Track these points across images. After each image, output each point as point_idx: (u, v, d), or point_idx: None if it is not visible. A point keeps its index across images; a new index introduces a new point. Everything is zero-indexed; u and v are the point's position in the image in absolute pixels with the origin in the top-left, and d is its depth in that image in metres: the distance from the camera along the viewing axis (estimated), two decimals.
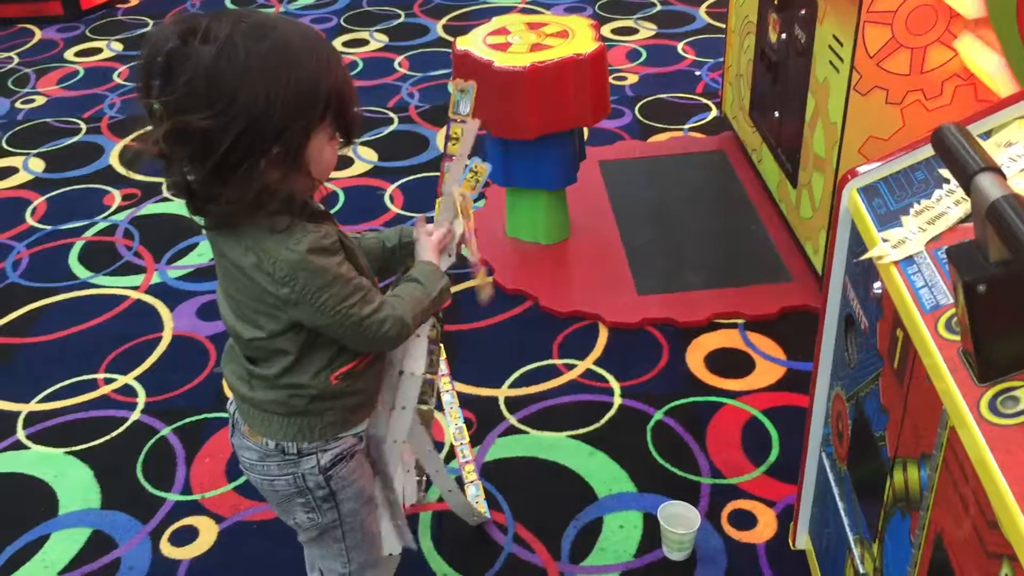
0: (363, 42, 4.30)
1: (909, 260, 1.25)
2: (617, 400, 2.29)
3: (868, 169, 1.45)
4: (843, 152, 2.26)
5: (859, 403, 1.44)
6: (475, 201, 1.47)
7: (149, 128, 1.15)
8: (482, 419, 2.25)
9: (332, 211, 3.03)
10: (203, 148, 1.14)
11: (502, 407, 2.28)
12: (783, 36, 2.63)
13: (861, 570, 1.44)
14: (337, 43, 4.29)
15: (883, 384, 1.33)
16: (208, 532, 2.00)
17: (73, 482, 2.15)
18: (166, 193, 1.23)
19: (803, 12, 2.46)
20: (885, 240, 1.30)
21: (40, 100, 3.91)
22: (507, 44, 2.60)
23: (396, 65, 4.05)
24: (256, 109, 1.13)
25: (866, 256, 1.34)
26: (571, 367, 2.39)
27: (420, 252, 1.46)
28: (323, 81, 1.18)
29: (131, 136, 1.23)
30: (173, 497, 2.09)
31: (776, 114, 2.74)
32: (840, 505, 1.56)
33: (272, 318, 1.27)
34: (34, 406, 2.37)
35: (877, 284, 1.33)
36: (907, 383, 1.23)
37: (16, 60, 4.29)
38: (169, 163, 1.18)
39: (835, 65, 2.27)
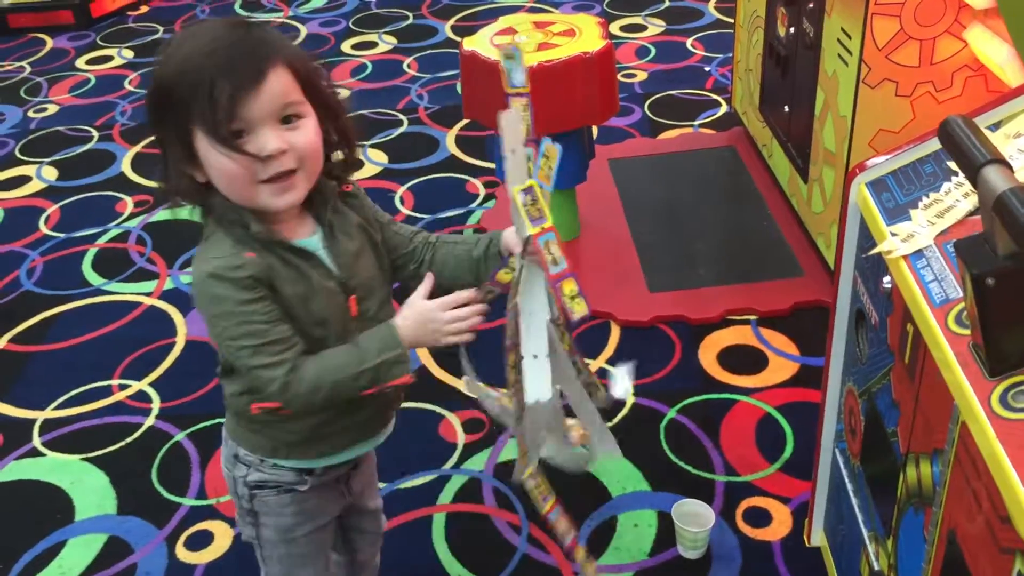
0: (372, 44, 4.31)
1: (918, 254, 1.24)
2: (630, 399, 2.28)
3: (876, 163, 1.44)
4: (853, 146, 2.25)
5: (871, 398, 1.43)
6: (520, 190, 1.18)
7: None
8: (494, 422, 2.25)
9: None
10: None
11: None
12: (791, 30, 2.62)
13: (876, 567, 1.43)
14: (346, 45, 4.30)
15: (894, 379, 1.32)
16: (223, 537, 2.00)
17: (89, 488, 2.16)
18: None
19: (811, 6, 2.45)
20: (894, 234, 1.29)
21: (52, 109, 3.94)
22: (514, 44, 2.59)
23: (405, 67, 4.06)
24: (147, 103, 1.19)
25: (875, 251, 1.33)
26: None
27: (403, 307, 1.25)
28: (175, 75, 1.13)
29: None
30: (188, 502, 2.10)
31: (786, 108, 2.73)
32: (854, 501, 1.55)
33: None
34: (49, 413, 2.38)
35: (887, 278, 1.32)
36: (918, 378, 1.22)
37: (28, 69, 4.32)
38: None
39: (844, 58, 2.26)
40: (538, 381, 1.27)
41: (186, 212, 1.25)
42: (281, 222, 1.22)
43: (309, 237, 1.25)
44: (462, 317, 1.25)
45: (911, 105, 2.20)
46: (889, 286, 1.31)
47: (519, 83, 1.27)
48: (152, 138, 1.20)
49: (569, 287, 1.20)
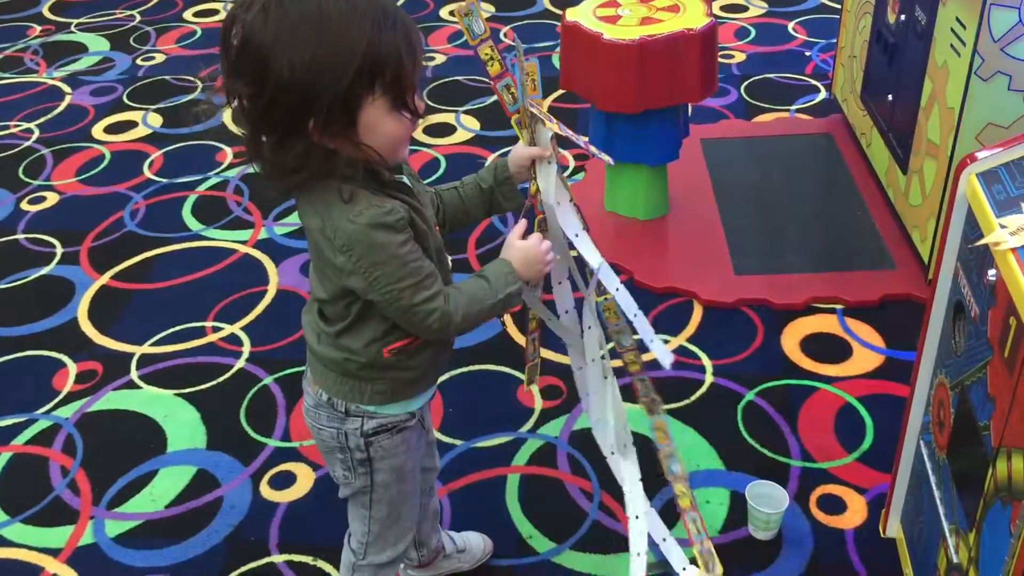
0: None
1: None
2: (709, 378, 2.29)
3: (988, 154, 1.42)
4: (959, 138, 2.20)
5: (964, 392, 1.42)
6: (569, 175, 1.42)
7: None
8: (572, 388, 2.27)
9: (433, 178, 3.09)
10: (247, 113, 1.19)
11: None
12: (902, 17, 2.56)
13: (955, 559, 1.42)
14: (444, 11, 4.33)
15: (991, 373, 1.30)
16: (305, 478, 2.08)
17: (181, 422, 2.26)
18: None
19: None
20: (1003, 226, 1.27)
21: (159, 58, 4.07)
22: (617, 16, 2.59)
23: (502, 35, 4.08)
24: (282, 80, 1.13)
25: (982, 242, 1.31)
26: (663, 343, 2.39)
27: (505, 248, 1.41)
28: (356, 51, 1.14)
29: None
30: (273, 443, 2.18)
31: (889, 97, 2.67)
32: (936, 494, 1.53)
33: (331, 282, 1.30)
34: (147, 349, 2.49)
35: (992, 271, 1.30)
36: (1017, 372, 1.20)
37: (138, 18, 4.45)
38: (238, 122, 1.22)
39: (956, 49, 2.20)
40: (591, 250, 1.48)
41: None
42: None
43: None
44: (549, 249, 1.40)
45: None
46: (994, 279, 1.29)
47: (480, 31, 1.38)
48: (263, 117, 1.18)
49: None
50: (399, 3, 3.93)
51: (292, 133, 1.18)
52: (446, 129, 3.39)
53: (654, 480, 2.01)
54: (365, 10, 1.15)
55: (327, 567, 1.88)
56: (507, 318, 2.50)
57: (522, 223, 1.41)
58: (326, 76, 1.14)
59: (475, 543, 1.86)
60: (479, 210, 1.51)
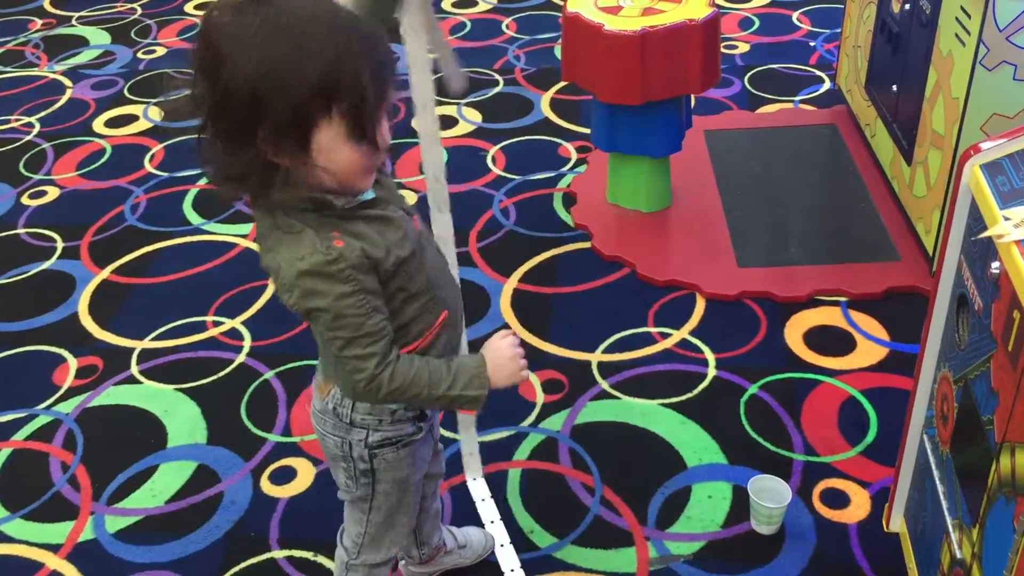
0: (472, 3, 4.31)
1: None
2: (711, 371, 2.27)
3: (992, 145, 1.40)
4: (964, 129, 2.18)
5: (967, 385, 1.40)
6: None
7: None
8: (574, 382, 2.27)
9: None
10: (209, 116, 1.12)
11: (595, 371, 2.29)
12: (906, 7, 2.54)
13: (959, 555, 1.41)
14: (447, 3, 4.31)
15: (995, 367, 1.29)
16: (305, 474, 2.07)
17: (181, 417, 2.25)
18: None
19: None
20: (1007, 218, 1.26)
21: (160, 51, 4.05)
22: (618, 7, 2.57)
23: (504, 27, 4.06)
24: (234, 81, 1.07)
25: (986, 234, 1.29)
26: (666, 336, 2.38)
27: (484, 347, 1.32)
28: (314, 67, 1.08)
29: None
30: (274, 438, 2.17)
31: (894, 88, 2.65)
32: (940, 489, 1.52)
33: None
34: (147, 343, 2.48)
35: (995, 264, 1.28)
36: (1021, 367, 1.19)
37: (139, 11, 4.44)
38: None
39: (961, 38, 2.18)
40: None
41: None
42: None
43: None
44: (523, 356, 1.34)
45: None
46: (997, 272, 1.28)
47: None
48: (222, 123, 1.12)
49: None
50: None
51: (241, 140, 1.11)
52: (448, 122, 3.38)
53: (642, 489, 2.01)
54: (340, 29, 1.10)
55: (327, 562, 1.88)
56: (508, 310, 2.49)
57: (509, 335, 1.35)
58: (276, 85, 1.08)
59: (476, 539, 1.85)
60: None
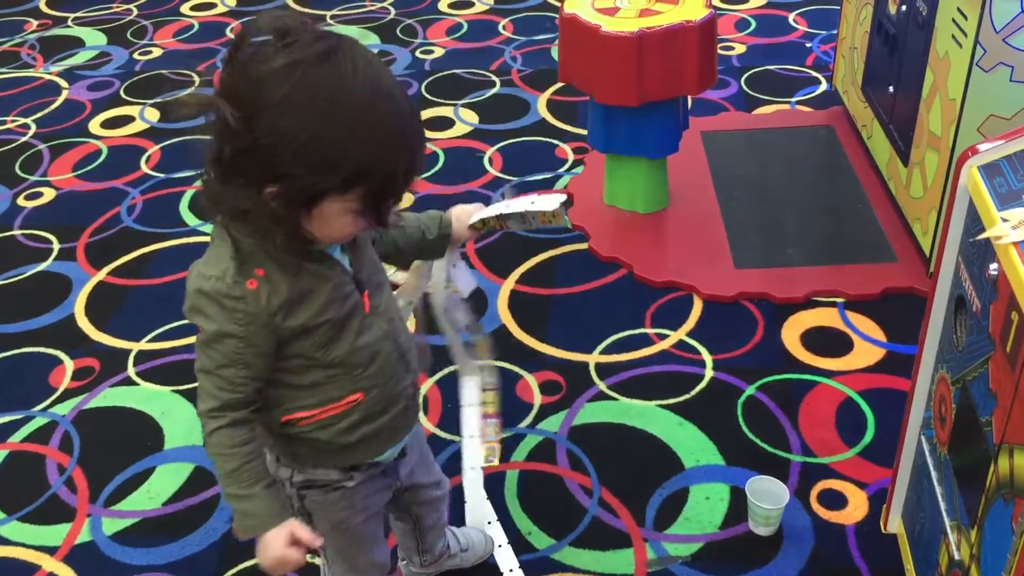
0: (468, 4, 4.31)
1: None
2: (709, 372, 2.27)
3: (990, 147, 1.40)
4: (961, 130, 2.18)
5: (965, 387, 1.40)
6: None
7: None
8: (571, 383, 2.27)
9: (430, 173, 3.07)
10: (221, 137, 1.08)
11: (592, 373, 2.29)
12: (903, 8, 2.54)
13: (956, 556, 1.41)
14: (443, 4, 4.31)
15: (993, 368, 1.29)
16: None
17: (179, 419, 2.24)
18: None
19: None
20: (1005, 220, 1.26)
21: (156, 52, 4.05)
22: (615, 8, 2.57)
23: (500, 28, 4.06)
24: (265, 139, 1.04)
25: (983, 236, 1.30)
26: (663, 337, 2.38)
27: (278, 527, 1.22)
28: (355, 159, 1.06)
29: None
30: None
31: (891, 89, 2.65)
32: (938, 490, 1.52)
33: None
34: (144, 345, 2.48)
35: (993, 265, 1.28)
36: (1019, 368, 1.19)
37: (135, 12, 4.43)
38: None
39: (958, 39, 2.18)
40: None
41: None
42: None
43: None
44: (279, 572, 1.25)
45: None
46: (995, 273, 1.28)
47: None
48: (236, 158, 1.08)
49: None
50: None
51: (246, 182, 1.08)
52: (444, 123, 3.38)
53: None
54: (386, 113, 1.07)
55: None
56: (505, 311, 2.49)
57: (302, 531, 1.24)
58: (310, 166, 1.05)
59: (477, 541, 1.85)
60: (411, 255, 1.44)
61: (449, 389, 2.25)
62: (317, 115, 1.04)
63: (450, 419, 2.18)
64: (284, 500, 1.28)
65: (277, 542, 1.21)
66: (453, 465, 2.05)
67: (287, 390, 1.24)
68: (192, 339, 2.43)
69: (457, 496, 1.99)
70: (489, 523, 1.92)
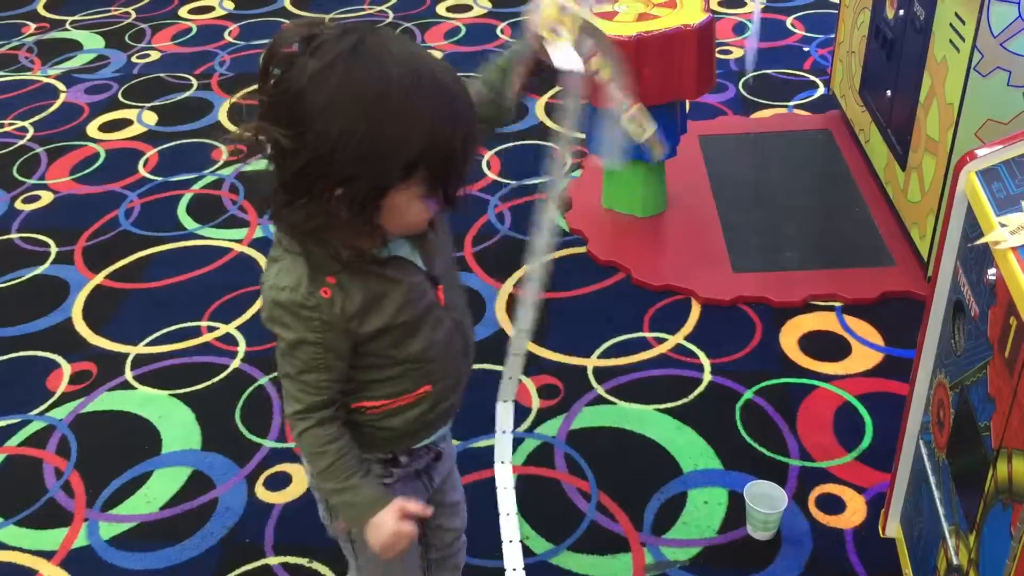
0: (467, 8, 4.31)
1: None
2: (707, 377, 2.27)
3: (988, 152, 1.40)
4: (958, 135, 2.19)
5: (964, 392, 1.40)
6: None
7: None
8: (569, 387, 2.27)
9: None
10: (277, 161, 1.09)
11: (590, 376, 2.29)
12: (900, 12, 2.55)
13: (955, 561, 1.41)
14: (441, 8, 4.31)
15: (991, 373, 1.29)
16: (301, 481, 2.06)
17: (176, 423, 2.24)
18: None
19: None
20: (1003, 225, 1.26)
21: (154, 55, 4.04)
22: (613, 13, 2.57)
23: (499, 32, 4.06)
24: (323, 147, 1.04)
25: (982, 241, 1.30)
26: (661, 341, 2.38)
27: (387, 510, 1.24)
28: (411, 143, 1.05)
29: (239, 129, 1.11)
30: (269, 444, 2.16)
31: (888, 93, 2.66)
32: (936, 495, 1.52)
33: None
34: (141, 349, 2.47)
35: (991, 270, 1.29)
36: (1018, 373, 1.19)
37: (133, 15, 4.43)
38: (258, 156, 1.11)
39: (955, 44, 2.19)
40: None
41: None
42: None
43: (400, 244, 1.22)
44: (395, 550, 1.26)
45: None
46: (994, 278, 1.28)
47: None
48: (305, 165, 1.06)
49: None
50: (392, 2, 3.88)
51: (304, 192, 1.08)
52: None
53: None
54: (432, 92, 1.06)
55: (323, 569, 1.87)
56: (503, 314, 2.49)
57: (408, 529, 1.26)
58: (371, 162, 1.05)
59: None
60: (504, 93, 1.31)
61: None
62: (365, 110, 1.03)
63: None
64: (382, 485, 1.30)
65: (388, 520, 1.23)
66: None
67: (359, 383, 1.26)
68: (189, 343, 2.46)
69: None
70: (508, 515, 1.80)
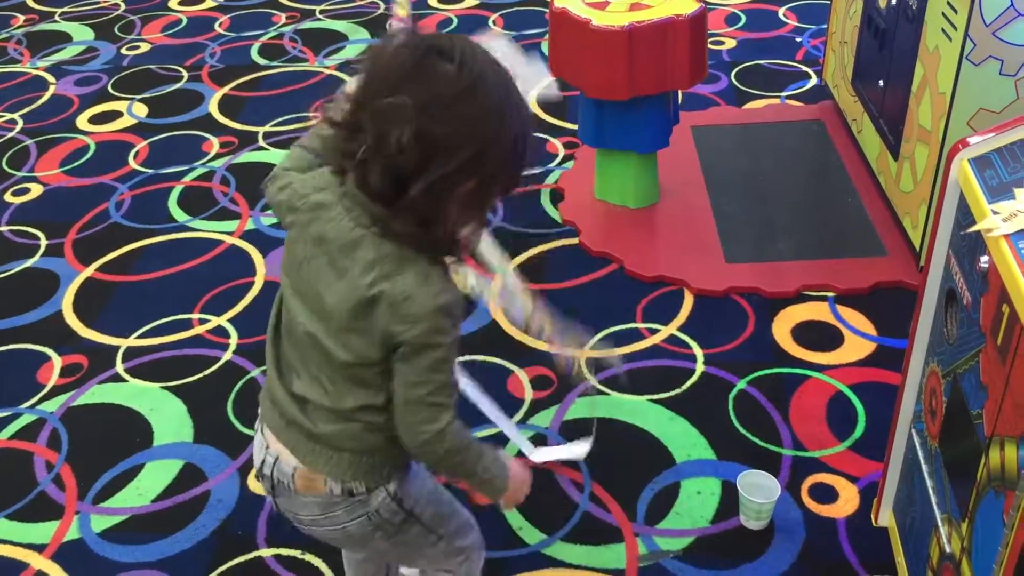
0: None
1: (1020, 234, 1.21)
2: (700, 367, 2.27)
3: (980, 140, 1.40)
4: (951, 124, 2.19)
5: (956, 380, 1.40)
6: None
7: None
8: (562, 378, 2.26)
9: None
10: (422, 157, 1.07)
11: (583, 368, 2.29)
12: (893, 2, 2.54)
13: (948, 549, 1.41)
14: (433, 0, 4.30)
15: (984, 361, 1.29)
16: None
17: (167, 415, 2.23)
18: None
19: None
20: (995, 212, 1.26)
21: (144, 47, 4.02)
22: (606, 3, 2.56)
23: (491, 23, 4.04)
24: (490, 147, 1.10)
25: (974, 228, 1.30)
26: (654, 332, 2.38)
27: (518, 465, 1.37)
28: (513, 142, 1.12)
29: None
30: None
31: (881, 83, 2.66)
32: (929, 483, 1.52)
33: (369, 343, 1.16)
34: (132, 341, 2.46)
35: (984, 258, 1.28)
36: (1010, 360, 1.19)
37: (123, 7, 4.41)
38: (365, 160, 1.10)
39: (947, 33, 2.18)
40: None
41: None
42: None
43: None
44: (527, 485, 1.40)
45: (1015, 85, 2.13)
46: (986, 265, 1.28)
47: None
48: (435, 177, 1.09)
49: None
50: None
51: (436, 189, 1.10)
52: None
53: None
54: (518, 105, 1.14)
55: (315, 560, 1.87)
56: (494, 308, 2.48)
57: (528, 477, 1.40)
58: (515, 154, 1.13)
59: None
60: None
61: None
62: (514, 108, 1.12)
63: None
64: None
65: (518, 469, 1.35)
66: None
67: None
68: (180, 336, 2.44)
69: None
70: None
